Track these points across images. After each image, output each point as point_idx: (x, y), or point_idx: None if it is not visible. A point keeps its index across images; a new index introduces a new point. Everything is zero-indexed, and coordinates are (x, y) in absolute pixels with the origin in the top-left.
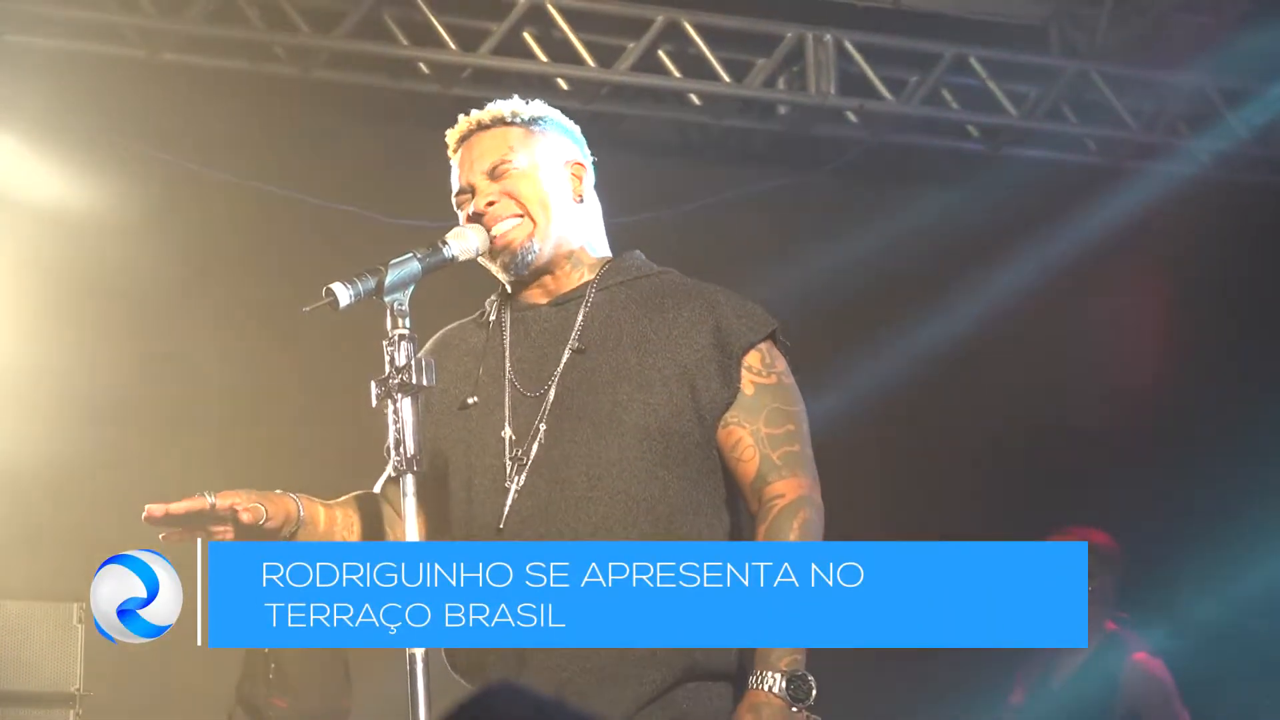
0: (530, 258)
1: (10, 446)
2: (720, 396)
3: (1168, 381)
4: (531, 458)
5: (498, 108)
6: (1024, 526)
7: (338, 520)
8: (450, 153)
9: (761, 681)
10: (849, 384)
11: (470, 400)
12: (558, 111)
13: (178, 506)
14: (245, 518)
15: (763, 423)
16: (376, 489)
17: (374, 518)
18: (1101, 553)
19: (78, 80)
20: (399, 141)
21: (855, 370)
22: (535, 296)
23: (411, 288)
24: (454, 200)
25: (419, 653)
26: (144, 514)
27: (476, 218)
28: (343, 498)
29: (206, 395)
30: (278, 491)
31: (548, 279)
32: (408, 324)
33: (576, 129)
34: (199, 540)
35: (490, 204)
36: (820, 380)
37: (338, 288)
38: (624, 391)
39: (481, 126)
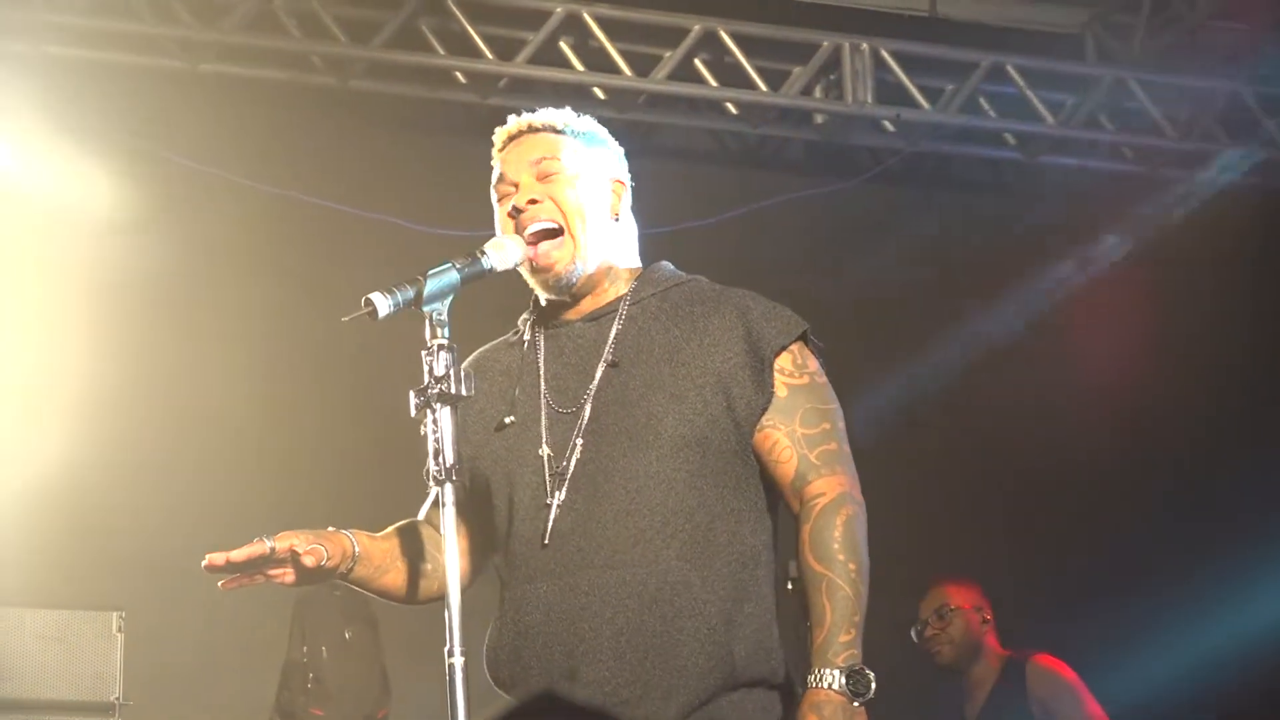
0: (575, 278)
1: (51, 456)
2: (755, 402)
3: (1204, 390)
4: (570, 473)
5: (552, 116)
6: (1056, 537)
7: (388, 553)
8: (497, 150)
9: (821, 679)
10: (885, 390)
11: (507, 420)
12: (606, 131)
13: (238, 554)
14: (308, 561)
15: (798, 423)
16: (420, 516)
17: (419, 547)
18: (979, 589)
19: (117, 91)
20: (436, 151)
21: (891, 377)
22: (568, 314)
23: (450, 297)
24: (493, 190)
25: (458, 661)
26: (204, 563)
27: (516, 213)
28: (388, 529)
29: (251, 406)
30: (330, 529)
31: (584, 296)
32: (446, 333)
33: (621, 151)
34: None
35: (532, 202)
36: (855, 387)
37: (377, 297)
38: (658, 403)
39: (533, 129)
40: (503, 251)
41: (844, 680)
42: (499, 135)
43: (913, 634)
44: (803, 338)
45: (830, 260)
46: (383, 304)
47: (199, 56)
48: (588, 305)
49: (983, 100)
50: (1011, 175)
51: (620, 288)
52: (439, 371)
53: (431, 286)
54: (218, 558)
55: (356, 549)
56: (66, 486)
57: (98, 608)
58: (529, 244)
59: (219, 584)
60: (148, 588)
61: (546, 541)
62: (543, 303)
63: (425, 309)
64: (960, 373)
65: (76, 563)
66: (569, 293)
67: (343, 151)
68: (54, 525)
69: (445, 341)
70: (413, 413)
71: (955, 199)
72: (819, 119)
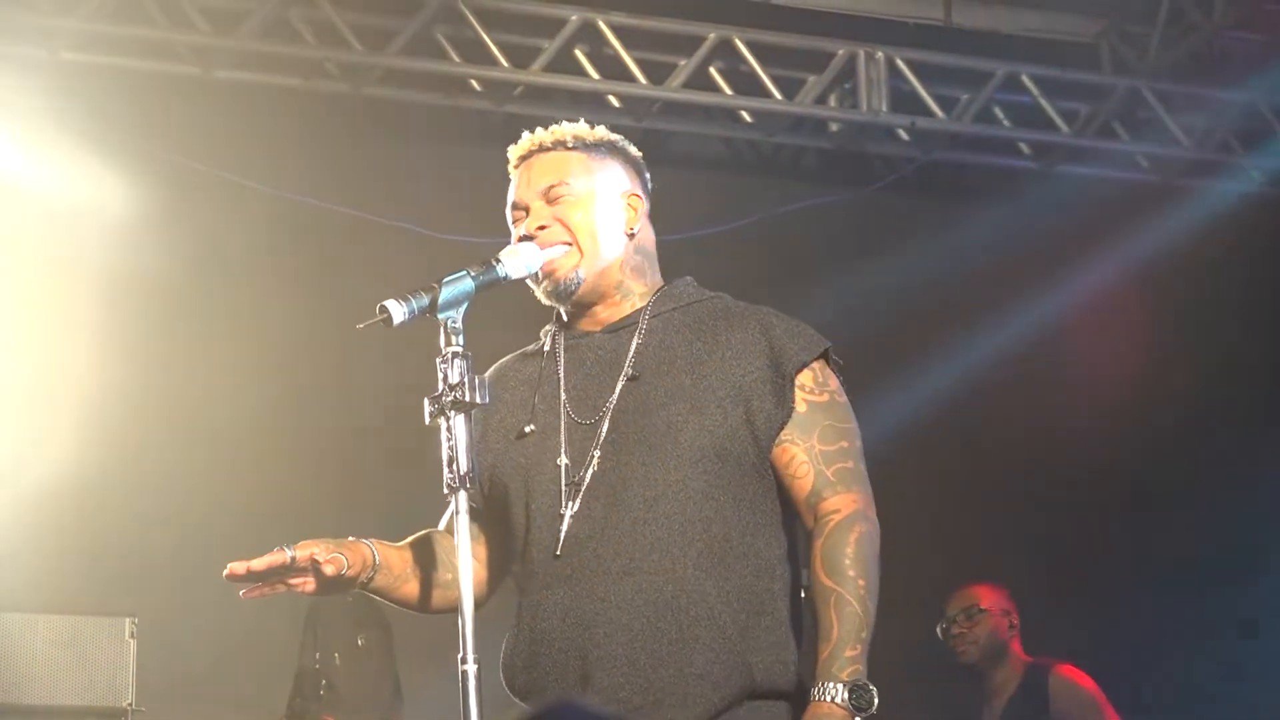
0: (574, 287)
1: (62, 460)
2: (775, 417)
3: (1221, 402)
4: (586, 483)
5: (561, 131)
6: (1064, 541)
7: (408, 562)
8: (510, 168)
9: (824, 693)
10: (898, 398)
11: (527, 429)
12: (622, 138)
13: (259, 563)
14: (329, 570)
15: (816, 439)
16: (441, 525)
17: (439, 556)
18: (1008, 595)
19: (131, 97)
20: (451, 158)
21: (905, 385)
22: (588, 325)
23: (465, 305)
24: (508, 214)
25: (471, 668)
26: (225, 572)
27: (527, 239)
28: (409, 538)
29: (263, 411)
30: (350, 538)
31: (598, 307)
32: (461, 341)
33: (639, 157)
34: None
35: (541, 228)
36: (868, 394)
37: (391, 305)
38: (678, 413)
39: (543, 148)
40: (518, 258)
41: (847, 694)
42: (512, 155)
43: (938, 631)
44: (824, 356)
45: (844, 268)
46: (397, 311)
47: (214, 63)
48: (606, 317)
49: (997, 109)
50: (1026, 184)
51: (639, 301)
52: (453, 379)
53: (446, 294)
54: (238, 567)
55: (377, 558)
56: (78, 491)
57: (110, 613)
58: None
59: (240, 593)
60: (160, 593)
61: (559, 552)
62: (564, 316)
63: (440, 316)
64: (974, 381)
65: (89, 568)
66: (570, 301)
67: (357, 158)
68: (66, 530)
69: (460, 349)
70: (427, 420)
71: (970, 208)
72: (833, 127)
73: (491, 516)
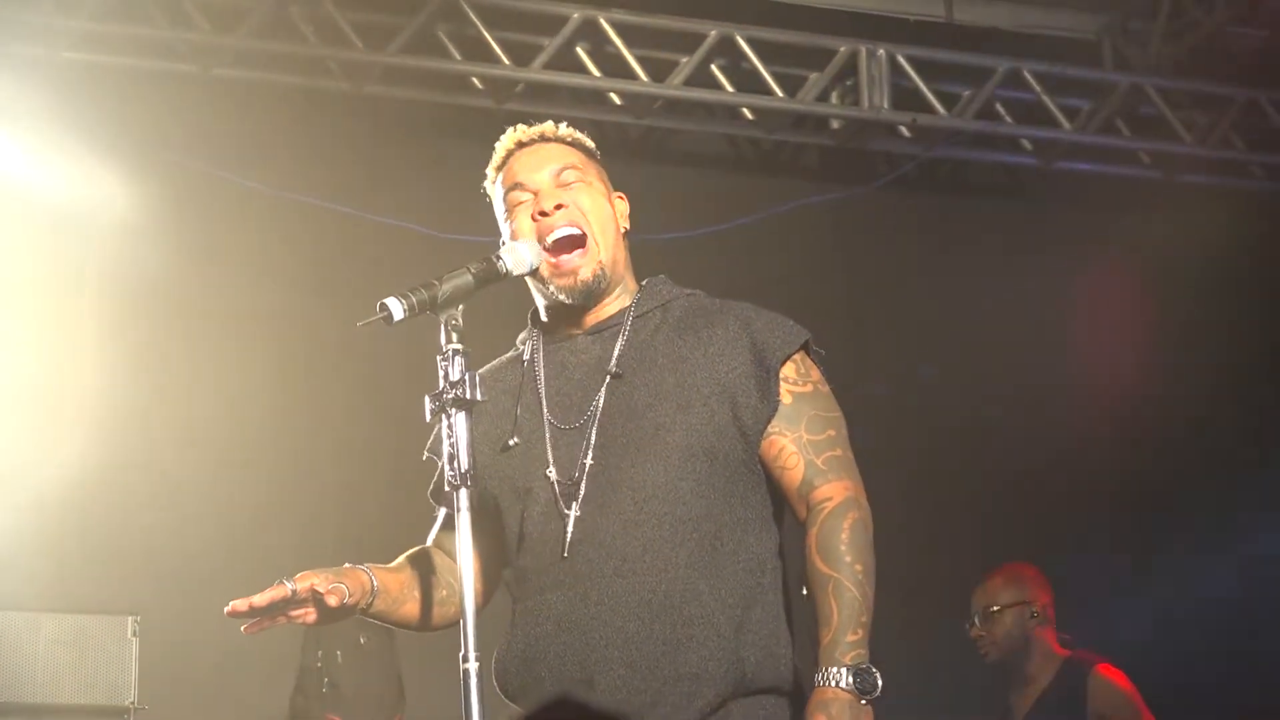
0: (603, 284)
1: (65, 460)
2: (761, 411)
3: (1223, 398)
4: (580, 488)
5: (563, 129)
6: (1067, 536)
7: (404, 583)
8: (503, 156)
9: (828, 678)
10: (898, 394)
11: (511, 442)
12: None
13: (260, 599)
14: (332, 602)
15: (804, 430)
16: (430, 540)
17: (433, 574)
18: (1039, 578)
19: (131, 96)
20: (452, 156)
21: (905, 381)
22: (571, 328)
23: (465, 302)
24: (505, 198)
25: (473, 666)
26: (226, 609)
27: (541, 216)
28: (399, 559)
29: (264, 410)
30: (347, 565)
31: (592, 308)
32: (460, 338)
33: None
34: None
35: (559, 206)
36: (869, 390)
37: (391, 302)
38: (665, 413)
39: (546, 138)
40: (518, 255)
41: (851, 678)
42: (507, 141)
43: (968, 627)
44: (805, 347)
45: (845, 266)
46: (397, 308)
47: (212, 61)
48: (590, 319)
49: (999, 106)
50: (1028, 181)
51: (623, 300)
52: (454, 376)
53: (446, 291)
54: (240, 604)
55: (375, 583)
56: (80, 490)
57: (113, 612)
58: (549, 252)
59: (241, 629)
60: (163, 592)
61: (566, 554)
62: (543, 317)
63: (440, 314)
64: (975, 377)
65: (91, 567)
66: (592, 299)
67: (358, 157)
68: (68, 530)
69: (460, 346)
70: (428, 418)
71: (971, 204)
72: (835, 124)
73: (481, 527)
